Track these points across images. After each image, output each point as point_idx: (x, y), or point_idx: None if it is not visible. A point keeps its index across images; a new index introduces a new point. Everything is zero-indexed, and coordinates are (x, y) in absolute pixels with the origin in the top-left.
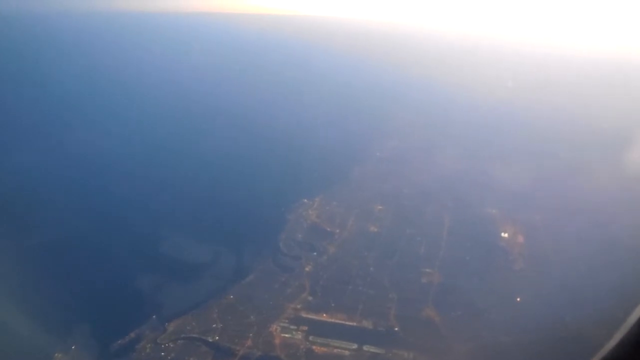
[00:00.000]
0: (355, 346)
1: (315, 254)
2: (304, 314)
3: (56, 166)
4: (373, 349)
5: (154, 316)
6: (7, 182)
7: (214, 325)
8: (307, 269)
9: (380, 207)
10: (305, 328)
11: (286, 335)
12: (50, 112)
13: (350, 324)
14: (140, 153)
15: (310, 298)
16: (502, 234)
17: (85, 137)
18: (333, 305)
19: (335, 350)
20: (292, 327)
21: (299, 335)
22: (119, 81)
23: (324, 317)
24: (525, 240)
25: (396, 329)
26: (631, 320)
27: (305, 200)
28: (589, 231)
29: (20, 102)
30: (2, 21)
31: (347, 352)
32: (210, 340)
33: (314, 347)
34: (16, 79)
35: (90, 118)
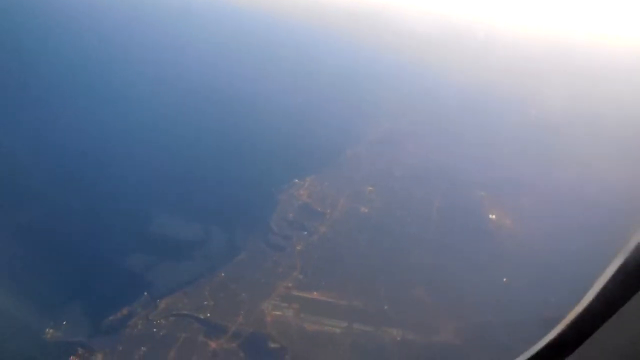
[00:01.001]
0: (345, 324)
1: (306, 233)
2: (295, 292)
3: (48, 147)
4: (363, 327)
5: (145, 293)
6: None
7: (205, 303)
8: (298, 248)
9: (371, 188)
10: (297, 306)
11: (277, 313)
12: (43, 97)
13: (341, 302)
14: (133, 133)
15: (301, 277)
16: (490, 216)
17: (76, 119)
18: (324, 284)
19: (326, 328)
20: (283, 304)
21: (290, 313)
22: (110, 65)
23: (315, 295)
24: (513, 222)
25: (386, 307)
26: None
27: (297, 181)
28: (576, 214)
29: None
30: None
31: (337, 330)
32: (202, 317)
33: (305, 324)
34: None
35: (81, 101)
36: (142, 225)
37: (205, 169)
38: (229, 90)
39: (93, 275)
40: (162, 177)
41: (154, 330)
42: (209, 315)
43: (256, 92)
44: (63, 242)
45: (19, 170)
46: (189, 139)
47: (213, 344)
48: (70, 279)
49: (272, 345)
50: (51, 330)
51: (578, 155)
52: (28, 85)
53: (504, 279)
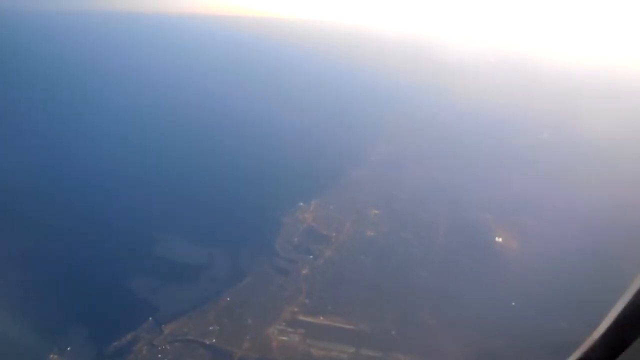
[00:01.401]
0: (352, 349)
1: (311, 257)
2: (301, 317)
3: (54, 167)
4: (370, 352)
5: (150, 318)
6: (7, 182)
7: (210, 328)
8: (303, 272)
9: (376, 211)
10: (303, 331)
11: (283, 338)
12: (47, 113)
13: (348, 327)
14: (137, 155)
15: (307, 301)
16: (497, 239)
17: (84, 139)
18: (330, 308)
19: (333, 354)
20: (289, 329)
21: (296, 338)
22: (115, 83)
23: (321, 320)
24: (520, 245)
25: (393, 332)
26: (609, 318)
27: (302, 204)
28: (583, 236)
29: (18, 102)
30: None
31: (344, 356)
32: (207, 342)
33: (311, 349)
34: (14, 79)
35: (88, 120)
36: (147, 249)
37: (210, 192)
38: (233, 113)
39: (98, 300)
40: (166, 201)
41: (159, 356)
42: (214, 340)
43: (259, 115)
44: (67, 266)
45: (22, 193)
46: (194, 162)
47: None
48: (75, 304)
49: None
50: (55, 356)
51: (586, 176)
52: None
53: (512, 303)
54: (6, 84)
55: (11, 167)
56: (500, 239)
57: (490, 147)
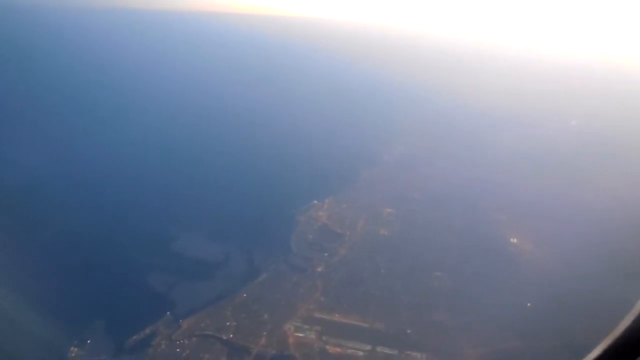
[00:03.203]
0: (368, 347)
1: (326, 255)
2: (316, 314)
3: (70, 167)
4: (387, 350)
5: (168, 313)
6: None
7: (227, 324)
8: (318, 269)
9: (389, 210)
10: (319, 328)
11: (300, 335)
12: (61, 113)
13: (363, 325)
14: (155, 154)
15: (322, 298)
16: (511, 240)
17: (101, 139)
18: (345, 306)
19: (349, 351)
20: (305, 326)
21: (312, 335)
22: (130, 81)
23: (337, 317)
24: (534, 246)
25: (408, 331)
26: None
27: (316, 202)
28: (598, 237)
29: (26, 101)
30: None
31: (360, 353)
32: (225, 338)
33: (327, 347)
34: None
35: (103, 120)
36: (164, 246)
37: (226, 190)
38: (248, 113)
39: (117, 295)
40: (184, 199)
41: (177, 350)
42: (231, 336)
43: (275, 115)
44: (87, 261)
45: (43, 190)
46: (210, 161)
47: None
48: (95, 298)
49: None
50: (76, 349)
51: (599, 178)
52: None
53: (528, 304)
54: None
55: (29, 167)
56: (514, 240)
57: (504, 147)
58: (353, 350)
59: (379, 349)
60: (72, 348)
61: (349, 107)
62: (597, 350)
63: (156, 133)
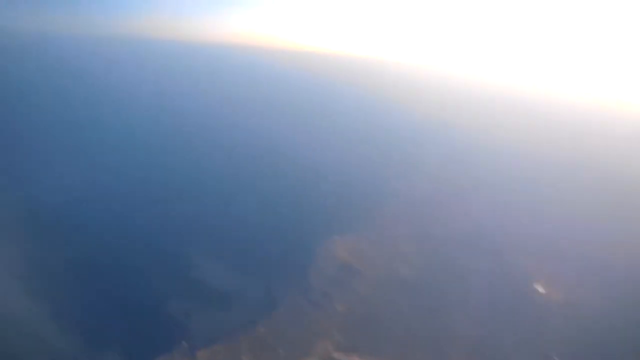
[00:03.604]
0: None
1: (345, 292)
2: (334, 354)
3: (94, 190)
4: None
5: (184, 343)
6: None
7: (243, 357)
8: (337, 307)
9: (411, 248)
10: None
11: None
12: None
13: None
14: (175, 180)
15: (340, 337)
16: (536, 286)
17: (120, 166)
18: (364, 346)
19: None
20: None
21: None
22: (157, 107)
23: (355, 358)
24: (561, 293)
25: None
26: None
27: (336, 238)
28: (629, 285)
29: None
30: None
31: None
32: None
33: None
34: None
35: (125, 148)
36: (182, 273)
37: (247, 222)
38: (270, 147)
39: (133, 320)
40: (206, 228)
41: None
42: None
43: (295, 149)
44: (100, 286)
45: (62, 211)
46: (232, 192)
47: None
48: (107, 325)
49: None
50: None
51: (628, 220)
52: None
53: (555, 358)
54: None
55: (46, 183)
56: (540, 286)
57: (532, 187)
58: None
59: None
60: None
61: (371, 141)
62: None
63: (181, 163)
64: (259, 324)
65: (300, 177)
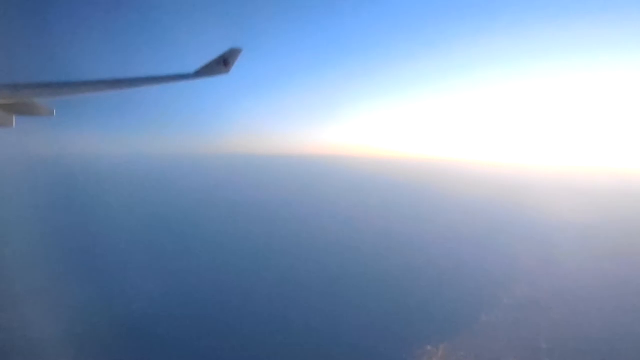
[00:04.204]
0: None
1: None
2: None
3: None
4: None
5: None
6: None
7: None
8: None
9: None
10: None
11: None
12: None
13: None
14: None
15: None
16: None
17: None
18: None
19: None
20: None
21: None
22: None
23: None
24: None
25: None
26: None
27: (429, 348)
28: None
29: None
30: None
31: None
32: None
33: None
34: None
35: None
36: None
37: (339, 330)
38: (362, 254)
39: None
40: (293, 336)
41: None
42: None
43: (384, 253)
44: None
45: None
46: (319, 301)
47: None
48: None
49: None
50: None
51: None
52: None
53: None
54: None
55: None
56: None
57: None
58: None
59: None
60: None
61: (465, 245)
62: None
63: (274, 279)
64: None
65: (391, 283)
